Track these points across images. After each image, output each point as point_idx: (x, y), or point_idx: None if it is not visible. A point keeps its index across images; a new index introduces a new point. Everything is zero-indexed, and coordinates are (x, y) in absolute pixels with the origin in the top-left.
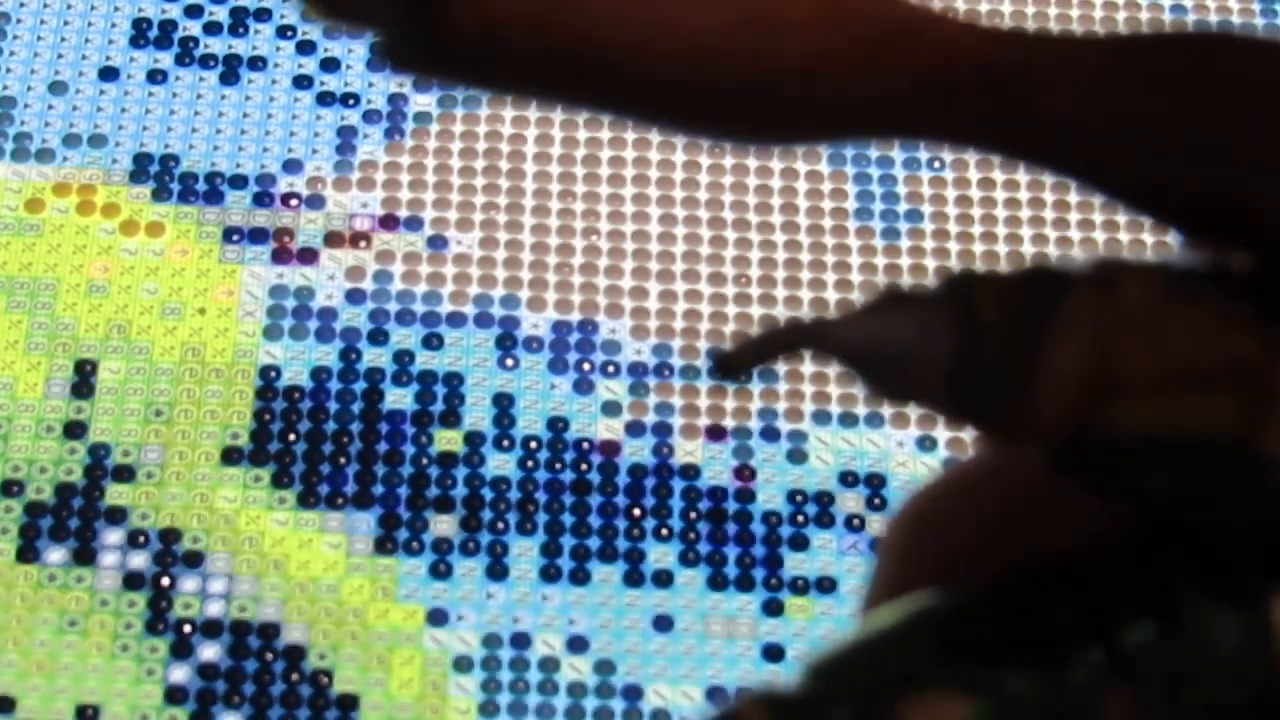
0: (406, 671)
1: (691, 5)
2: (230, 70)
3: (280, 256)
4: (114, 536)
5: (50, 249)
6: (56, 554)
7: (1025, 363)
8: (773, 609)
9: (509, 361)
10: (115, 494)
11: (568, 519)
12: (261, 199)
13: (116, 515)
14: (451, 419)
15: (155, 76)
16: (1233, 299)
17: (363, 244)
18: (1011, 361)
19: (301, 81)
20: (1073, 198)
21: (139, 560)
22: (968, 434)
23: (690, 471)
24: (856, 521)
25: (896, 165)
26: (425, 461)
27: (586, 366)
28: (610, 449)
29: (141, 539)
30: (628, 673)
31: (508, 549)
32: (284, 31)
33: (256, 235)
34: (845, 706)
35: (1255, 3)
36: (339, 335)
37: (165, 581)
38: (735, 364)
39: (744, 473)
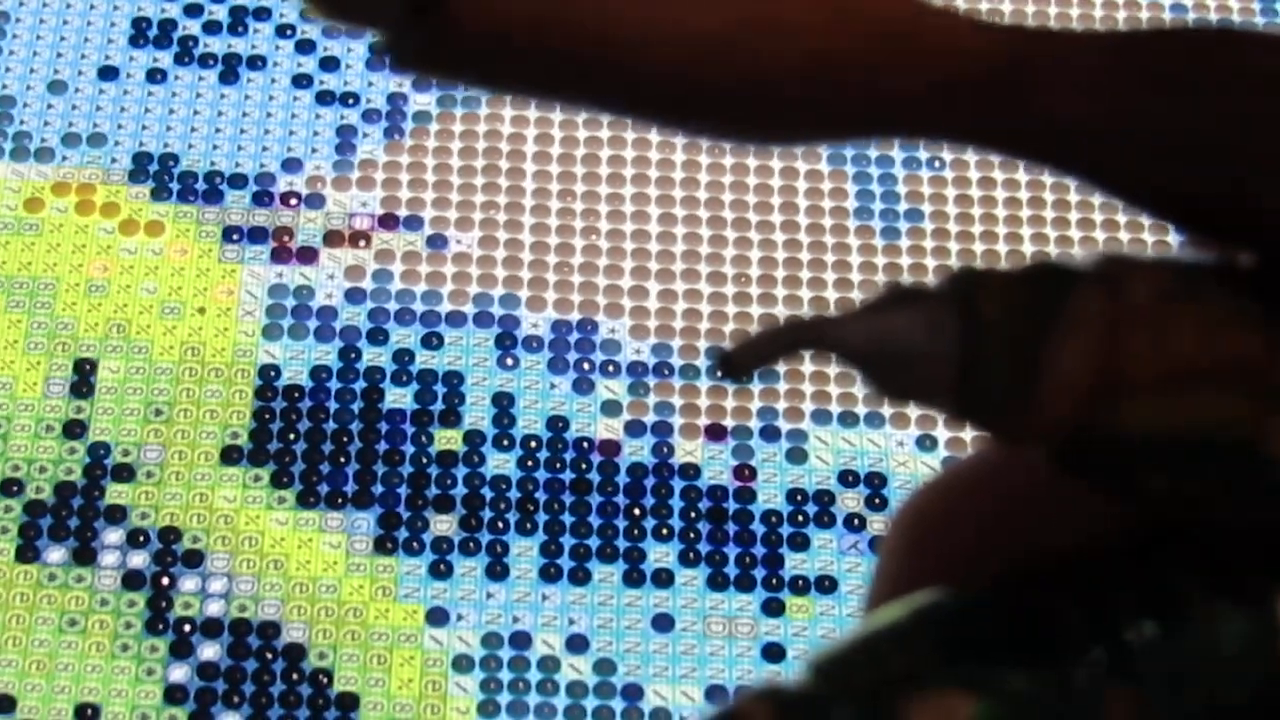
0: (406, 671)
1: (693, 5)
2: (230, 69)
3: (279, 256)
4: (114, 536)
5: (49, 248)
6: (56, 553)
7: (1027, 361)
8: (773, 609)
9: (509, 361)
10: (115, 493)
11: (568, 519)
12: (261, 198)
13: (116, 515)
14: (451, 418)
15: (155, 76)
16: (1238, 297)
17: (362, 243)
18: (1013, 360)
19: (301, 81)
20: (1073, 198)
21: (139, 560)
22: (968, 434)
23: (690, 471)
24: (856, 521)
25: (896, 165)
26: (425, 461)
27: (586, 366)
28: (610, 449)
29: (141, 538)
30: (627, 672)
31: (508, 549)
32: (283, 31)
33: (256, 235)
34: (847, 704)
35: (1255, 1)
36: (338, 335)
37: (165, 581)
38: (738, 363)
39: (744, 472)
